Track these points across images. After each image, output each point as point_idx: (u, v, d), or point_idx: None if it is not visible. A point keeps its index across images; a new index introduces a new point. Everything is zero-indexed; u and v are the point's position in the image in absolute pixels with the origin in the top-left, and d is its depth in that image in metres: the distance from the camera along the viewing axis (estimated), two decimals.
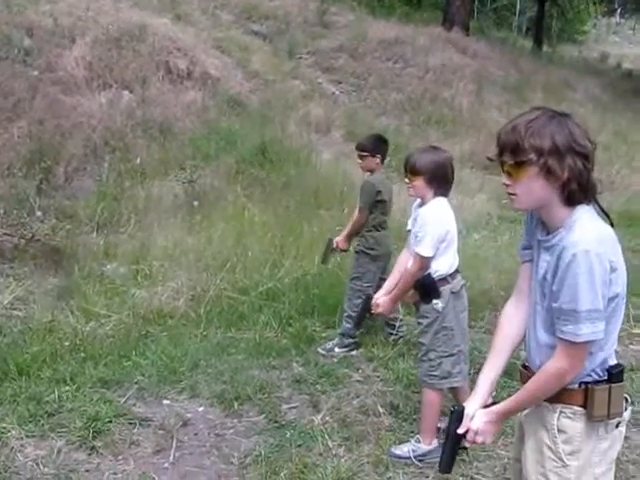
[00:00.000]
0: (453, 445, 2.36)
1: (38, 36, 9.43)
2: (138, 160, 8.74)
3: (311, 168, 9.54)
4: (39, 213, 7.18)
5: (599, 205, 2.15)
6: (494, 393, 2.50)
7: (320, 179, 9.04)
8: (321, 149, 10.57)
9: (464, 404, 2.36)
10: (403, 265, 3.93)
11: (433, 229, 3.70)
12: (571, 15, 32.91)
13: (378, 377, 4.90)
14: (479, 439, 2.28)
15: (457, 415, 2.33)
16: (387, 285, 4.00)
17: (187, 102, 10.24)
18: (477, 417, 2.29)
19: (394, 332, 5.44)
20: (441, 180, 3.76)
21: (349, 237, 5.41)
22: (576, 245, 2.02)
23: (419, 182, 3.75)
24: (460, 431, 2.30)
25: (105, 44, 9.88)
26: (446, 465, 2.38)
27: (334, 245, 5.45)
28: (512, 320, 2.39)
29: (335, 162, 9.84)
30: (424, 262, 3.74)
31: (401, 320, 5.45)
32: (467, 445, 2.35)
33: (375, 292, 5.38)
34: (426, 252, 3.70)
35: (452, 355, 3.83)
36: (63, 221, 7.25)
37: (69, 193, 7.96)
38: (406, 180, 3.84)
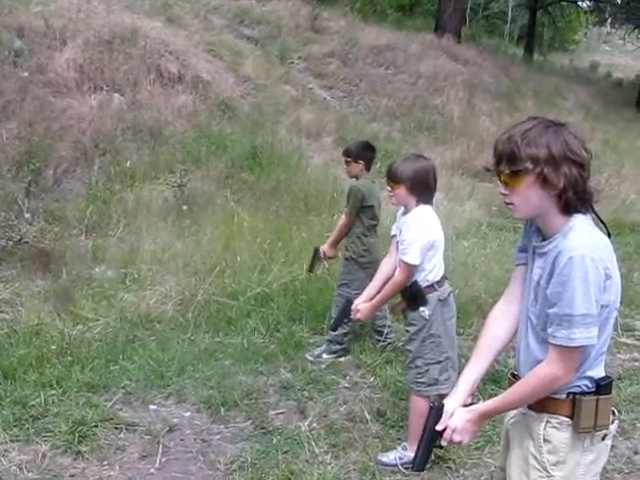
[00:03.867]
0: (429, 442, 2.30)
1: (29, 37, 9.38)
2: (128, 163, 8.71)
3: (301, 173, 9.53)
4: (28, 215, 7.13)
5: (596, 214, 2.16)
6: (476, 394, 2.48)
7: (310, 184, 9.03)
8: (311, 154, 10.57)
9: (444, 401, 2.34)
10: (386, 272, 3.93)
11: (419, 237, 3.70)
12: (562, 24, 33.08)
13: (366, 384, 4.89)
14: (457, 438, 2.24)
15: (436, 411, 2.29)
16: (368, 291, 3.98)
17: (178, 105, 10.21)
18: (457, 415, 2.25)
19: (382, 339, 5.44)
20: (423, 188, 3.77)
21: (335, 243, 5.39)
22: (572, 250, 2.02)
23: (400, 190, 3.77)
24: (439, 428, 2.26)
25: (96, 47, 9.84)
26: (420, 462, 2.33)
27: (321, 254, 5.44)
28: (499, 321, 2.38)
29: (325, 167, 9.85)
30: (410, 270, 3.74)
31: (389, 327, 5.45)
32: (444, 443, 2.28)
33: None
34: (412, 260, 3.70)
35: (439, 362, 3.83)
36: (52, 223, 7.20)
37: (58, 195, 7.91)
38: (388, 188, 3.86)
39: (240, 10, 14.78)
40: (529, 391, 2.18)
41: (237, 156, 9.45)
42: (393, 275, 3.84)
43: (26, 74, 8.90)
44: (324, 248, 5.40)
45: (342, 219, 5.34)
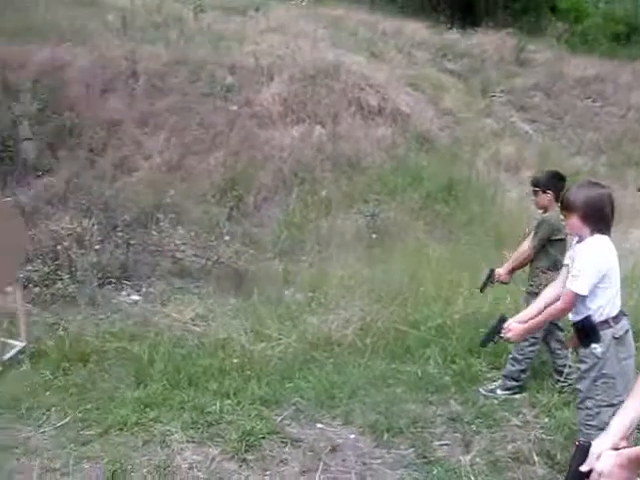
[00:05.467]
0: None
1: (240, 74, 10.10)
2: (324, 192, 9.03)
3: (496, 207, 9.38)
4: (227, 238, 7.63)
5: None
6: (633, 437, 2.28)
7: (504, 218, 8.86)
8: (509, 188, 10.36)
9: (592, 441, 2.14)
10: (548, 297, 3.77)
11: (590, 267, 3.51)
12: None
13: (538, 424, 4.68)
14: None
15: (582, 451, 2.10)
16: (526, 312, 3.84)
17: (377, 137, 10.45)
18: (604, 457, 2.04)
19: (562, 379, 5.18)
20: (597, 217, 3.55)
21: (512, 270, 5.24)
22: None
23: (574, 219, 3.59)
24: (583, 469, 2.07)
25: (301, 81, 10.36)
26: None
27: (495, 276, 5.30)
28: None
29: (521, 201, 9.59)
30: (574, 299, 3.56)
31: (570, 367, 5.18)
32: None
33: (544, 337, 5.21)
34: (580, 289, 3.51)
35: (612, 405, 3.57)
36: (248, 246, 7.65)
37: (257, 221, 8.39)
38: (561, 217, 3.71)
39: (444, 44, 14.87)
40: None
41: (433, 188, 9.49)
42: (555, 302, 3.69)
43: (235, 107, 9.58)
44: (500, 272, 5.26)
45: (525, 249, 5.19)
